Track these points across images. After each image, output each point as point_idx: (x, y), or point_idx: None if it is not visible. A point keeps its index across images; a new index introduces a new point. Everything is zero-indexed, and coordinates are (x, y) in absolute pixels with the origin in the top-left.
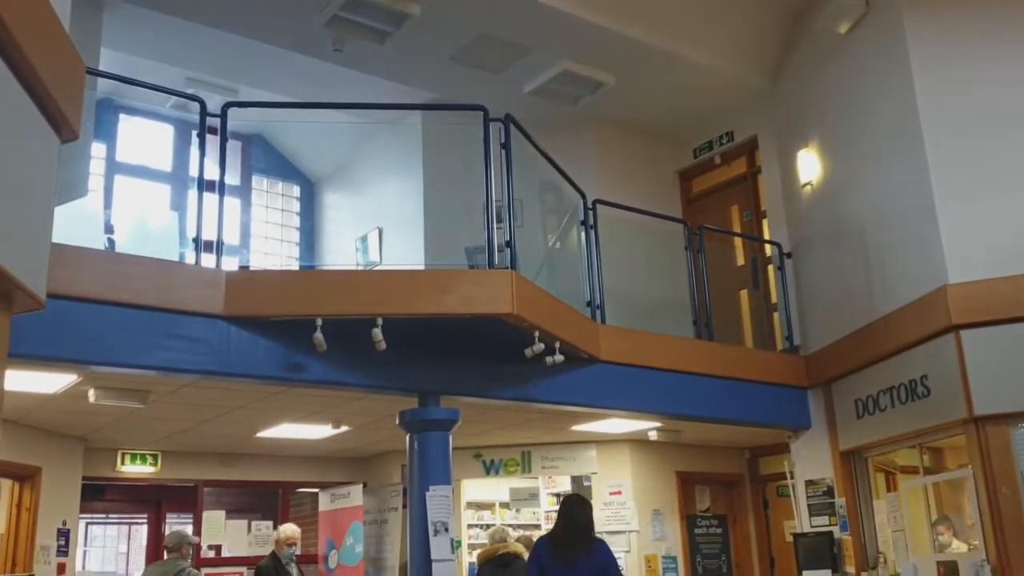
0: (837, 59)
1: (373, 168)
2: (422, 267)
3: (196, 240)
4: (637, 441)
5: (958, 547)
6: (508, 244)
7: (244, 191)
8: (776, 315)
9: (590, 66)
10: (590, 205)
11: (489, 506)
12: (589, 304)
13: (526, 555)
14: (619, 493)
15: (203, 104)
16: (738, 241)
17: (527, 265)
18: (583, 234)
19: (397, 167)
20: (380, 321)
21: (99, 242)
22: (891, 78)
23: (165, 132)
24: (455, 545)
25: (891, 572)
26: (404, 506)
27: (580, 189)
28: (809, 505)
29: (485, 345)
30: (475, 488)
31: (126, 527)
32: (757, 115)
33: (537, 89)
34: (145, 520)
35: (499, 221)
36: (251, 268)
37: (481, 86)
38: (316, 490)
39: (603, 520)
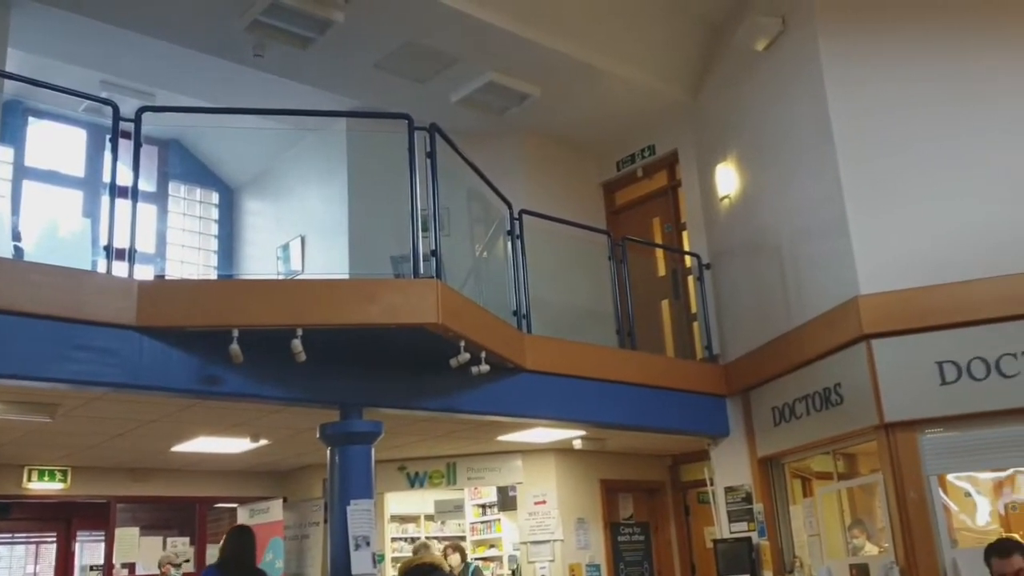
0: (755, 76)
1: (296, 175)
2: (346, 276)
3: (108, 248)
4: (562, 450)
5: (871, 550)
6: (434, 253)
7: (160, 198)
8: (696, 325)
9: (516, 78)
10: (516, 215)
11: (414, 519)
12: (515, 314)
13: (446, 566)
14: (544, 502)
15: (116, 108)
16: (659, 252)
17: (454, 275)
18: (509, 244)
19: (320, 174)
20: (300, 332)
21: (5, 250)
22: (806, 95)
23: (78, 136)
24: (377, 559)
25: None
26: (325, 520)
27: (506, 199)
28: (728, 511)
29: (410, 355)
30: (399, 501)
31: (34, 546)
32: (678, 129)
33: (464, 99)
34: (54, 539)
35: (425, 230)
36: (166, 277)
37: (407, 94)
38: (235, 505)
39: (528, 530)
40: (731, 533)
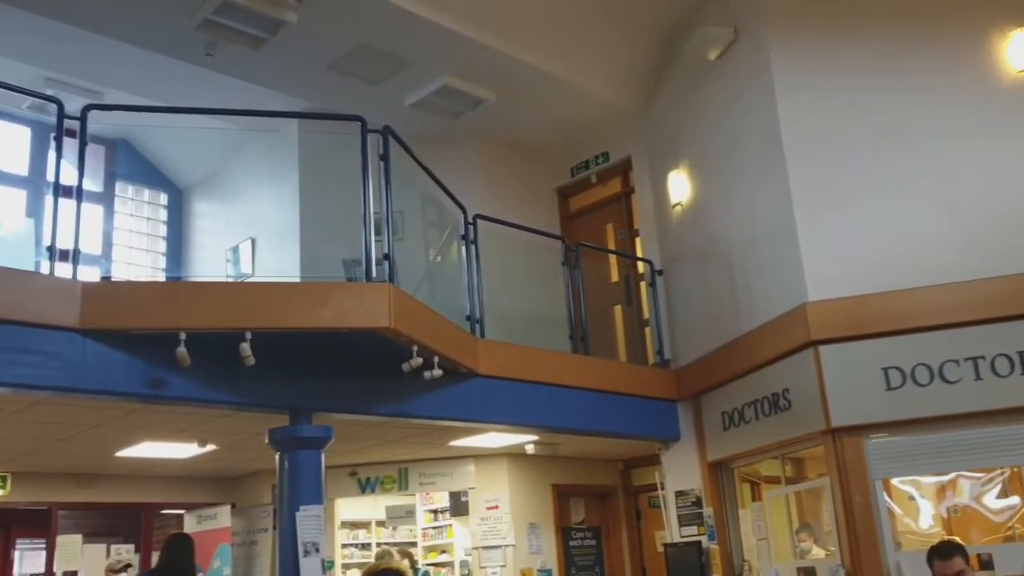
0: (707, 84)
1: (246, 176)
2: (297, 279)
3: (51, 248)
4: (515, 455)
5: (817, 553)
6: (386, 257)
7: (107, 198)
8: (648, 330)
9: (471, 82)
10: (471, 220)
11: (365, 525)
12: (469, 318)
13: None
14: (496, 508)
15: (61, 105)
16: (613, 258)
17: (407, 279)
18: (463, 249)
19: (272, 176)
20: (249, 335)
21: None
22: (756, 104)
23: (21, 134)
24: (326, 566)
25: None
26: (274, 527)
27: (460, 204)
28: (679, 515)
29: (361, 360)
30: (350, 507)
31: None
32: (631, 136)
33: (418, 102)
34: None
35: (377, 234)
36: (112, 279)
37: (361, 97)
38: (181, 511)
39: (480, 535)
40: (681, 537)
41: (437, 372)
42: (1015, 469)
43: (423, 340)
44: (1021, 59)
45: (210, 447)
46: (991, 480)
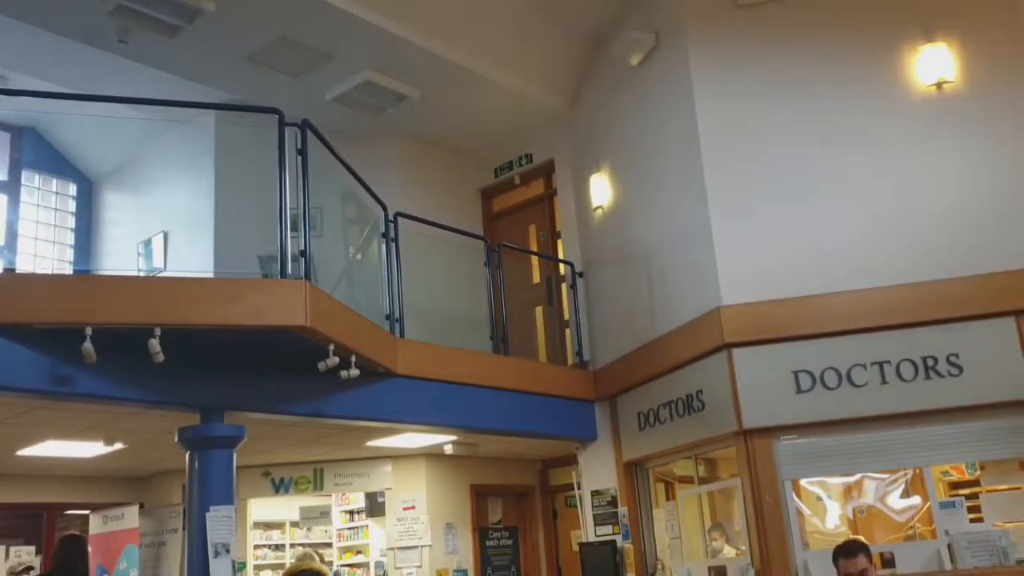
0: (629, 89)
1: (160, 168)
2: (211, 275)
3: None
4: (433, 455)
5: (729, 552)
6: (303, 253)
7: (12, 187)
8: (568, 331)
9: (394, 78)
10: (391, 218)
11: (279, 525)
12: (388, 318)
13: (330, 574)
14: (413, 508)
15: None
16: (535, 259)
17: (325, 277)
18: (384, 247)
19: (187, 168)
20: (158, 331)
21: None
22: (676, 109)
23: None
24: (237, 567)
25: None
26: (184, 527)
27: (381, 201)
28: (595, 515)
29: (276, 358)
30: (263, 507)
31: None
32: (555, 139)
33: (339, 97)
34: None
35: (294, 230)
36: (16, 271)
37: (281, 89)
38: (87, 512)
39: (396, 536)
40: (597, 536)
41: (354, 372)
42: (917, 471)
43: (340, 339)
44: (929, 73)
45: (117, 446)
46: (895, 481)
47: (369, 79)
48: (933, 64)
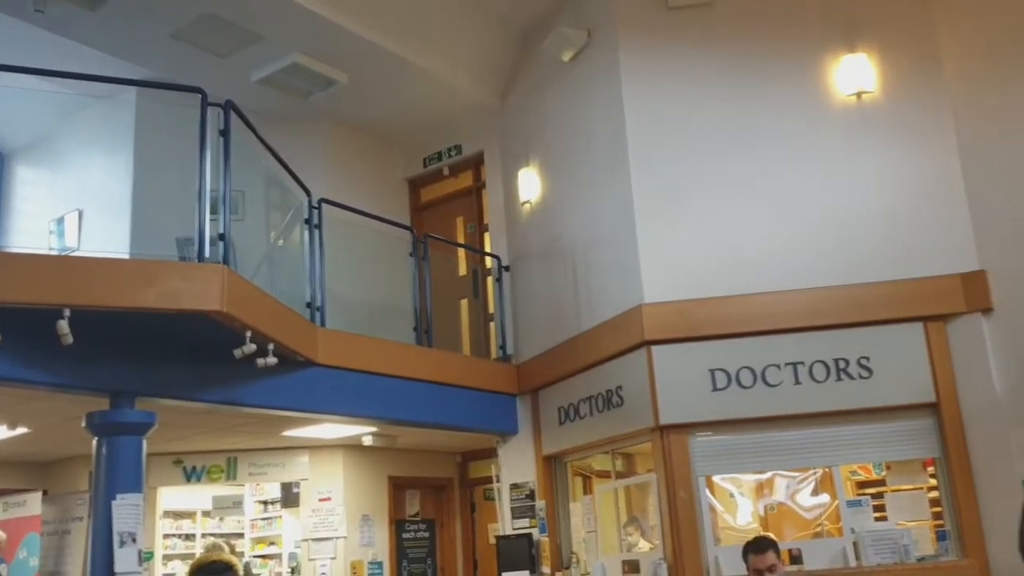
0: (560, 85)
1: (77, 144)
2: (126, 256)
3: None
4: (351, 446)
5: (643, 546)
6: (222, 237)
7: None
8: (493, 325)
9: (323, 62)
10: (315, 204)
11: (190, 515)
12: (309, 305)
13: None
14: (329, 499)
15: None
16: (461, 251)
17: (245, 262)
18: (307, 233)
19: (105, 146)
20: (67, 312)
21: None
22: (605, 107)
23: None
24: (144, 557)
25: (583, 571)
26: (90, 515)
27: (305, 186)
28: (512, 508)
29: (191, 344)
30: (174, 496)
31: None
32: (485, 131)
33: (266, 79)
34: None
35: (214, 212)
36: None
37: (206, 69)
38: None
39: (311, 527)
40: (514, 530)
41: (272, 360)
42: (827, 469)
43: (258, 326)
44: (850, 83)
45: (21, 430)
46: (805, 479)
47: (297, 62)
48: (853, 74)
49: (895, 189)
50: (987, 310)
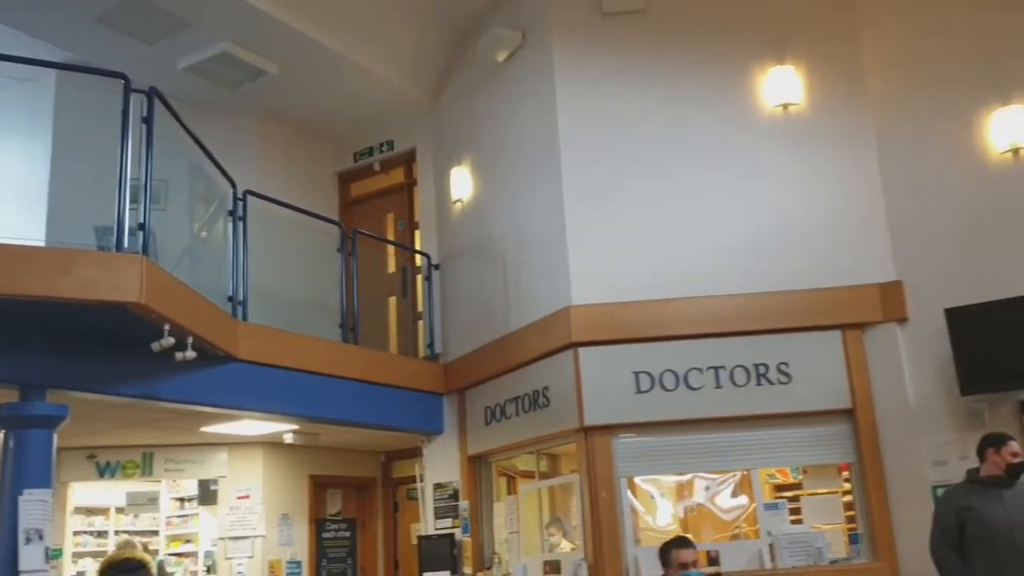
0: (494, 85)
1: None
2: (41, 244)
3: None
4: (272, 444)
5: (565, 547)
6: (142, 227)
7: None
8: (421, 323)
9: (253, 52)
10: (240, 196)
11: (103, 511)
12: (231, 299)
13: (153, 565)
14: (248, 497)
15: None
16: (391, 248)
17: (167, 253)
18: (231, 225)
19: (20, 129)
20: None
21: None
22: (538, 109)
23: None
24: (51, 554)
25: (504, 572)
26: None
27: (230, 177)
28: (436, 508)
29: (106, 335)
30: (86, 492)
31: None
32: (418, 128)
33: (193, 67)
34: None
35: (134, 201)
36: None
37: (132, 55)
38: None
39: (228, 525)
40: (436, 530)
41: (190, 354)
42: (745, 472)
43: (176, 319)
44: (776, 95)
45: None
46: (724, 482)
47: (227, 51)
48: (781, 86)
49: (818, 200)
50: (902, 320)
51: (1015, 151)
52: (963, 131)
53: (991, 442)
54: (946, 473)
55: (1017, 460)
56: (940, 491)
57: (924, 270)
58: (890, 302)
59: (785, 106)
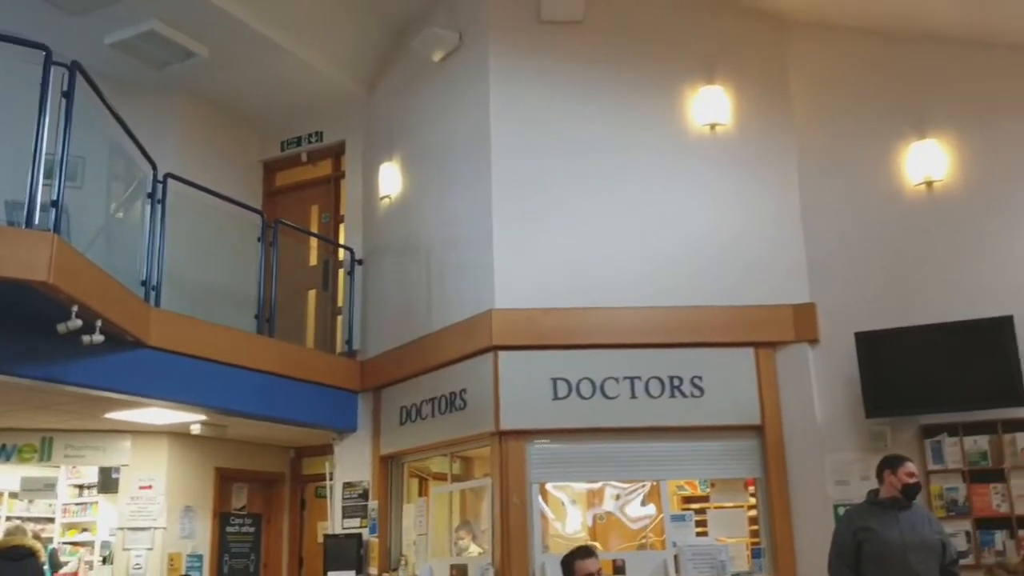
0: (429, 83)
1: None
2: None
3: None
4: (178, 434)
5: (474, 551)
6: (55, 204)
7: None
8: (340, 318)
9: (183, 32)
10: (160, 178)
11: None
12: (145, 284)
13: (44, 553)
14: (150, 487)
15: None
16: (314, 241)
17: (81, 232)
18: (149, 208)
19: None
20: None
21: None
22: (472, 111)
23: None
24: None
25: (411, 574)
26: None
27: (151, 159)
28: (344, 507)
29: (11, 314)
30: None
31: None
32: (349, 121)
33: (120, 43)
34: None
35: (48, 177)
36: None
37: (58, 26)
38: None
39: (128, 515)
40: (344, 529)
41: (98, 337)
42: (655, 483)
43: (86, 300)
44: (705, 114)
45: None
46: (634, 491)
47: (155, 29)
48: (709, 105)
49: (740, 219)
50: (813, 341)
51: (928, 184)
52: (881, 161)
53: (888, 464)
54: (848, 492)
55: (912, 481)
56: (841, 510)
57: (837, 294)
58: (803, 323)
59: (712, 125)
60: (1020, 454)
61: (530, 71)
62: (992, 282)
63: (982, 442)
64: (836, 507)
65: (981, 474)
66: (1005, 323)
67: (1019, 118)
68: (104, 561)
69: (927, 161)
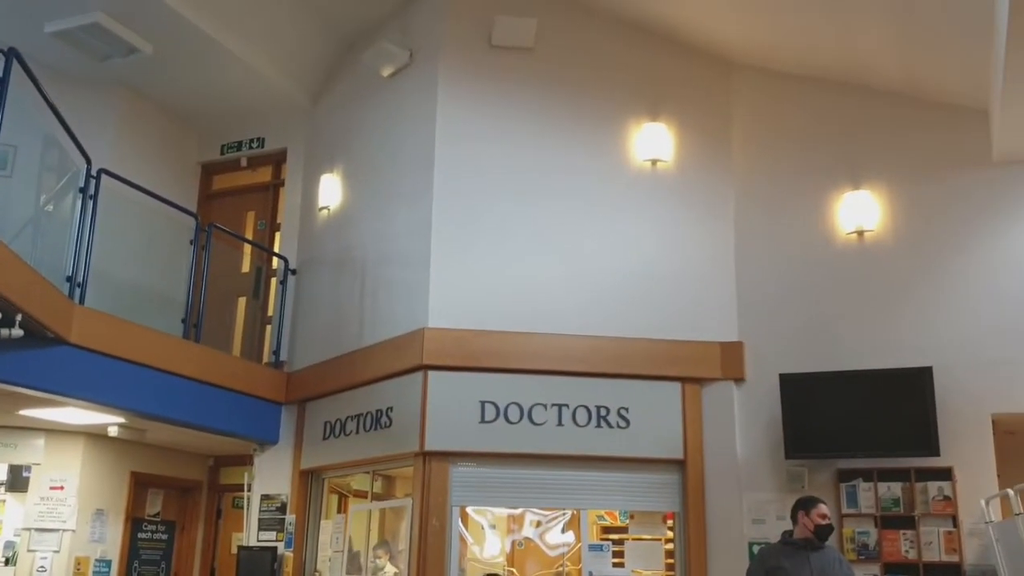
0: (375, 98)
1: None
2: None
3: None
4: (94, 435)
5: (389, 571)
6: None
7: None
8: (269, 328)
9: (128, 27)
10: (94, 173)
11: None
12: (70, 280)
13: None
14: (61, 488)
15: None
16: (247, 248)
17: (7, 224)
18: (79, 203)
19: None
20: None
21: None
22: (417, 130)
23: None
24: None
25: None
26: None
27: (86, 153)
28: (261, 519)
29: None
30: None
31: None
32: (292, 129)
33: (61, 33)
34: None
35: None
36: None
37: None
38: None
39: (35, 516)
40: (259, 541)
41: (17, 332)
42: (576, 511)
43: (6, 293)
44: (646, 150)
45: None
46: (554, 519)
47: (99, 22)
48: (651, 142)
49: (675, 256)
50: (739, 379)
51: (860, 233)
52: (815, 208)
53: (802, 505)
54: (764, 531)
55: (825, 522)
56: (756, 548)
57: (765, 334)
58: (729, 361)
59: (654, 161)
60: (931, 503)
61: (478, 94)
62: (915, 333)
63: (895, 488)
64: (751, 545)
65: (892, 520)
66: (924, 373)
67: (950, 175)
68: (7, 562)
69: (860, 211)
